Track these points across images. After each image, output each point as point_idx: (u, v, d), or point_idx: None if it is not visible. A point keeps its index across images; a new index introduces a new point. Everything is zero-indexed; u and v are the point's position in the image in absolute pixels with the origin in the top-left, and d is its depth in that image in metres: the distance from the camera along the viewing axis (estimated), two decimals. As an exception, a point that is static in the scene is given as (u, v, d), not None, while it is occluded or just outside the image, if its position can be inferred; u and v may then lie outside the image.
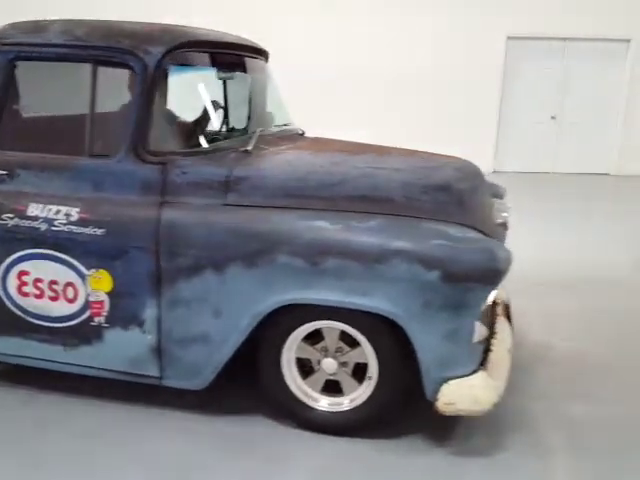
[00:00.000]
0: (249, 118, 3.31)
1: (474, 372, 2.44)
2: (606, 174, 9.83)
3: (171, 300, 2.54)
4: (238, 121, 3.24)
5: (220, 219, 2.49)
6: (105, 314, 2.62)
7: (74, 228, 2.57)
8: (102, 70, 2.62)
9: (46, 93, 2.84)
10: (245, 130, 3.20)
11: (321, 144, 3.21)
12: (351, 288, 2.37)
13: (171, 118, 2.72)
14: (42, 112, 2.89)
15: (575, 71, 9.58)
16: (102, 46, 2.60)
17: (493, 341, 2.72)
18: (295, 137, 3.41)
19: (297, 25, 9.69)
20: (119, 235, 2.54)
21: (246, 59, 3.28)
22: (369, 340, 2.48)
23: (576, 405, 2.92)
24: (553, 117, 9.73)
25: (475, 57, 9.34)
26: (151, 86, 2.57)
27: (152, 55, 2.57)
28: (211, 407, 2.79)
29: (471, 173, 2.88)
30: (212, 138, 2.87)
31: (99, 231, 2.55)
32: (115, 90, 2.71)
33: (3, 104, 2.71)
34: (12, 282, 2.68)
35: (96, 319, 2.64)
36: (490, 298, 2.40)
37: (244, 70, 3.29)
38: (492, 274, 2.31)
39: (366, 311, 2.39)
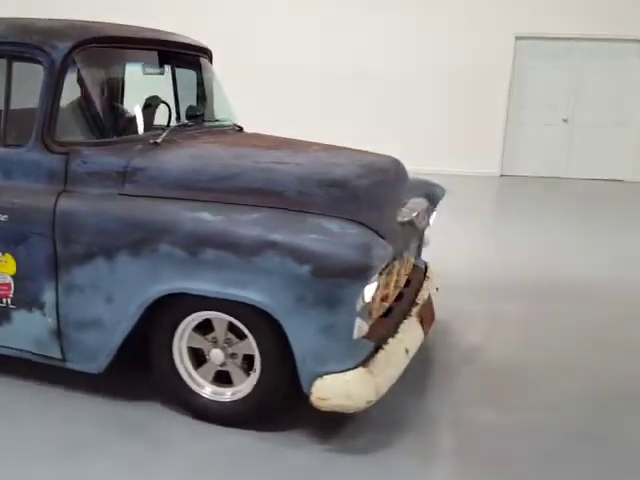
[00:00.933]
0: (176, 112, 3.38)
1: (353, 368, 2.44)
2: (620, 180, 9.51)
3: (67, 285, 2.63)
4: (165, 115, 3.30)
5: (111, 208, 2.56)
6: (11, 296, 2.73)
7: (-21, 214, 2.68)
8: (17, 65, 2.72)
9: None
10: (168, 124, 3.27)
11: (245, 139, 3.25)
12: (229, 280, 2.41)
13: (79, 110, 2.80)
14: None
15: (587, 72, 9.27)
16: (16, 42, 2.71)
17: (390, 340, 2.71)
18: (226, 132, 3.46)
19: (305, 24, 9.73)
20: (20, 221, 2.64)
21: (177, 55, 3.35)
22: (251, 332, 2.51)
23: (483, 411, 2.87)
24: (565, 120, 9.47)
25: (481, 57, 9.15)
26: (58, 79, 2.66)
27: (59, 50, 2.66)
28: (112, 390, 2.86)
29: (379, 171, 2.86)
30: (125, 130, 2.95)
31: (3, 217, 2.66)
32: (31, 84, 2.79)
33: None
34: None
35: (4, 300, 2.75)
36: (367, 294, 2.39)
37: (173, 66, 3.37)
38: (362, 270, 2.30)
39: (246, 303, 2.43)
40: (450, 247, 5.36)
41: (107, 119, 2.89)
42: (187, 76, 3.50)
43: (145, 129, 3.06)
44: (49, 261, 2.63)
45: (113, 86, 3.03)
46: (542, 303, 4.27)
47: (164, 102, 3.44)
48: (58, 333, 2.70)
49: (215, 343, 2.62)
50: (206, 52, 3.64)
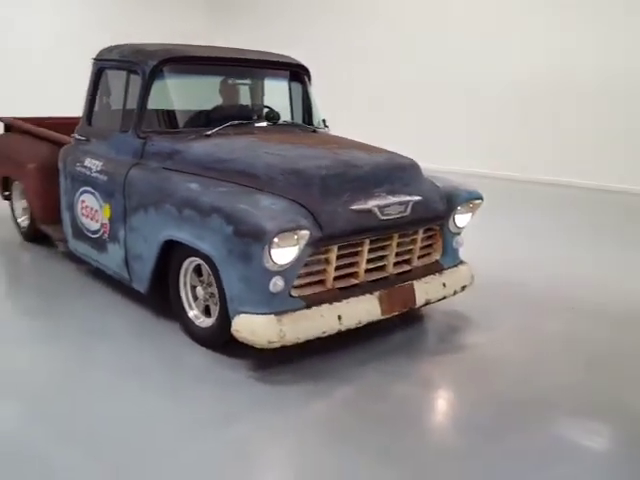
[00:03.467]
0: (244, 112, 4.30)
1: (267, 314, 3.08)
2: None
3: (129, 228, 3.81)
4: (235, 114, 4.22)
5: (151, 177, 3.66)
6: (108, 233, 4.04)
7: (98, 175, 4.04)
8: (132, 76, 4.01)
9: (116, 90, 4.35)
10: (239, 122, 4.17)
11: (292, 136, 4.03)
12: (195, 233, 3.28)
13: (158, 108, 3.96)
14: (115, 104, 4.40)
15: None
16: (130, 60, 4.00)
17: (325, 305, 3.24)
18: (291, 131, 4.28)
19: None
20: (111, 182, 3.91)
21: (257, 71, 4.33)
22: (214, 277, 3.33)
23: (408, 386, 3.20)
24: None
25: None
26: (146, 86, 3.85)
27: (148, 65, 3.85)
28: (150, 306, 3.99)
29: (346, 166, 3.38)
30: (190, 124, 4.00)
31: (105, 178, 3.97)
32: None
33: (95, 97, 4.36)
34: (79, 206, 4.30)
35: (104, 235, 4.07)
36: (279, 257, 3.00)
37: (255, 78, 4.34)
38: (259, 233, 2.94)
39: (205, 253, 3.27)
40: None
41: (176, 115, 4.00)
42: (253, 84, 4.48)
43: (214, 124, 4.02)
44: (123, 210, 3.84)
45: (188, 92, 4.13)
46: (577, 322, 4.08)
47: (246, 106, 4.43)
48: (126, 261, 3.91)
49: (203, 284, 3.51)
50: (300, 68, 4.51)
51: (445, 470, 2.55)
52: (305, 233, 3.06)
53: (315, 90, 4.66)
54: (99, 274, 4.47)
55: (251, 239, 2.99)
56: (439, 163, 10.22)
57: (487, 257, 4.79)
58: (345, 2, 11.77)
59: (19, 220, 5.46)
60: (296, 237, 3.04)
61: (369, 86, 11.44)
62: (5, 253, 5.26)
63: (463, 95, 10.44)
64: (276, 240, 2.96)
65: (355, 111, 11.16)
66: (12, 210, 5.54)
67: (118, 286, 4.26)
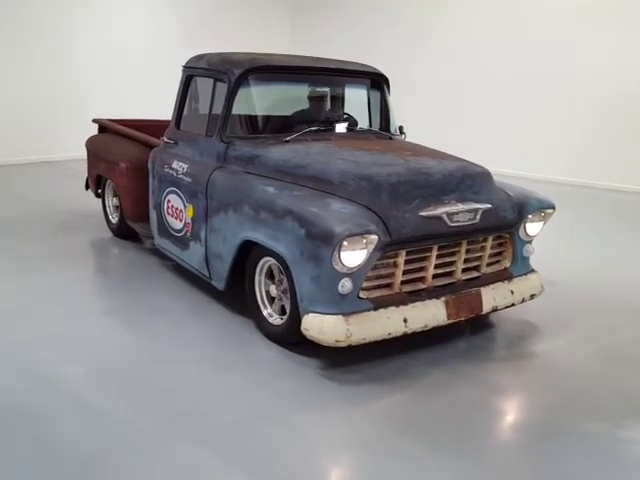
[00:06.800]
0: (324, 119, 4.43)
1: (335, 314, 3.21)
2: None
3: (210, 227, 4.04)
4: (315, 121, 4.37)
5: (231, 179, 3.88)
6: (190, 231, 4.30)
7: (183, 177, 4.31)
8: (218, 84, 4.25)
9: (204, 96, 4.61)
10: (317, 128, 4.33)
11: (366, 142, 4.13)
12: (270, 234, 3.46)
13: (242, 115, 4.17)
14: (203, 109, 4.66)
15: None
16: (216, 69, 4.24)
17: (391, 307, 3.34)
18: (367, 137, 4.39)
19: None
20: (195, 183, 4.16)
21: (337, 79, 4.46)
22: (286, 276, 3.50)
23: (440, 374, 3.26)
24: None
25: None
26: (231, 93, 4.08)
27: (234, 74, 4.08)
28: (226, 301, 4.21)
29: (417, 174, 3.47)
30: (270, 130, 4.19)
31: (190, 179, 4.23)
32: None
33: (184, 103, 4.64)
34: (165, 205, 4.59)
35: (187, 234, 4.34)
36: (347, 260, 3.13)
37: (334, 87, 4.48)
38: (328, 236, 3.09)
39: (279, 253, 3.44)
40: None
41: (258, 122, 4.21)
42: (330, 92, 4.62)
43: (294, 131, 4.19)
44: (204, 210, 4.09)
45: (270, 99, 4.32)
46: None
47: (325, 113, 4.57)
48: (206, 259, 4.15)
49: (275, 280, 3.69)
50: (378, 76, 4.63)
51: (495, 466, 2.62)
52: (374, 238, 3.17)
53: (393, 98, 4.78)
54: (176, 266, 4.76)
55: (321, 242, 3.13)
56: (517, 169, 10.07)
57: (567, 265, 4.74)
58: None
59: (110, 217, 5.87)
60: (365, 241, 3.16)
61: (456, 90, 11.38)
62: (95, 246, 5.66)
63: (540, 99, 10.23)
64: (345, 243, 3.10)
65: (430, 118, 11.17)
66: (104, 207, 5.95)
67: (188, 276, 4.57)
